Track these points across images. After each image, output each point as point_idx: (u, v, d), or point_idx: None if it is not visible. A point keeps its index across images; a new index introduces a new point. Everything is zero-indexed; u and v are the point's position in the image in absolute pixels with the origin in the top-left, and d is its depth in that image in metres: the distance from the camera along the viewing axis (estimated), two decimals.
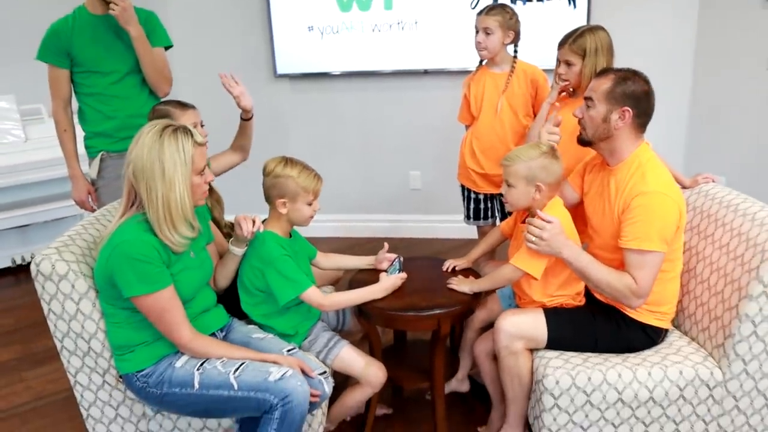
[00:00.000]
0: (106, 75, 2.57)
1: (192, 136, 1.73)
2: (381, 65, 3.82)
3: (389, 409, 2.35)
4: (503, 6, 2.51)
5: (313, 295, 1.95)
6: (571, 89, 2.35)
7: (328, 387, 1.82)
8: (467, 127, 2.73)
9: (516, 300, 2.10)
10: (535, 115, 2.53)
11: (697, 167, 2.82)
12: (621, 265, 1.85)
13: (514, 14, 2.49)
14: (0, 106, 3.64)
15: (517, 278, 1.96)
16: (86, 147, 2.73)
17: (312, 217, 2.06)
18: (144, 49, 2.52)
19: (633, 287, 1.78)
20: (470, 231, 3.96)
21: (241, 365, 1.73)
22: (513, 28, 2.49)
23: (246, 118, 2.50)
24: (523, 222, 1.99)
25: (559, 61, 2.32)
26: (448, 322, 1.97)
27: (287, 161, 2.01)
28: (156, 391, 1.76)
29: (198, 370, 1.74)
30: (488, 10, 2.48)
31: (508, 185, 1.94)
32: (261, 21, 3.85)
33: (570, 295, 1.99)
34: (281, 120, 4.11)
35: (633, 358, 1.87)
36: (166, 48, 2.67)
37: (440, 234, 4.11)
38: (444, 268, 2.23)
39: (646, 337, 1.91)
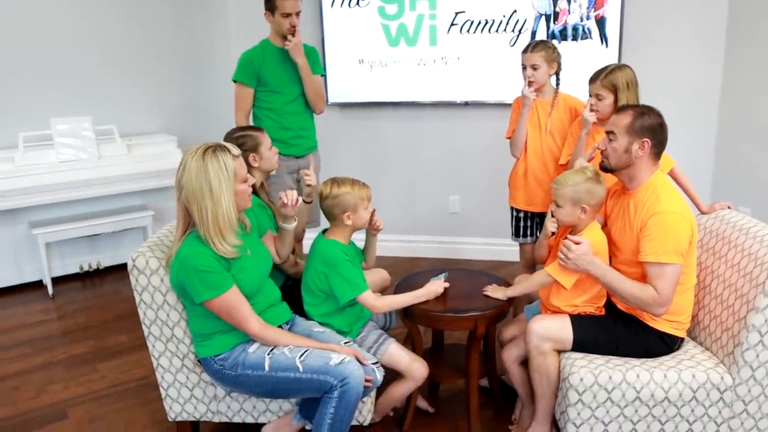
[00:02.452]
0: (284, 95, 3.21)
1: (229, 150, 1.96)
2: (425, 96, 4.13)
3: (431, 408, 2.59)
4: (544, 42, 2.78)
5: (368, 297, 2.22)
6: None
7: (380, 375, 2.07)
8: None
9: (542, 308, 2.33)
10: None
11: (724, 198, 3.02)
12: (642, 278, 2.08)
13: (555, 48, 2.77)
14: (78, 126, 4.03)
15: (548, 284, 2.21)
16: None
17: (370, 218, 2.35)
18: (307, 76, 3.17)
19: (655, 296, 2.01)
20: (503, 254, 4.22)
21: (305, 351, 1.99)
22: (556, 60, 2.76)
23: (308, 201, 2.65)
24: (565, 238, 2.24)
25: (591, 95, 2.59)
26: (483, 323, 2.22)
27: (335, 181, 2.30)
28: (231, 372, 2.03)
29: (268, 354, 2.01)
30: (533, 48, 2.74)
31: (557, 205, 2.19)
32: None
33: (592, 307, 2.22)
34: (331, 145, 4.42)
35: (650, 361, 2.09)
36: (322, 76, 3.38)
37: (476, 256, 4.35)
38: (483, 290, 2.38)
39: (663, 344, 2.13)
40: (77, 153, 4.03)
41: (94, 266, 4.25)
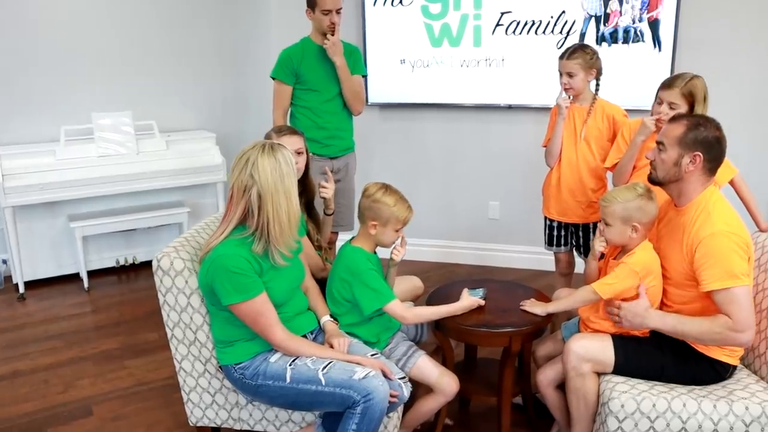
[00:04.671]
0: (322, 93, 3.13)
1: (286, 147, 1.92)
2: (467, 99, 4.00)
3: (450, 422, 2.48)
4: (583, 47, 2.64)
5: (396, 307, 2.12)
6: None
7: (406, 390, 1.97)
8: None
9: (581, 327, 2.19)
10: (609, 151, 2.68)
11: None
12: (693, 300, 1.93)
13: (594, 53, 2.63)
14: (118, 121, 4.05)
15: (592, 302, 2.07)
16: None
17: (395, 242, 2.24)
18: (345, 76, 3.09)
19: (730, 324, 1.83)
20: (543, 263, 4.07)
21: (329, 363, 1.91)
22: (594, 66, 2.63)
23: (328, 213, 2.66)
24: (614, 258, 2.10)
25: (660, 102, 2.41)
26: (518, 340, 2.10)
27: (387, 188, 2.20)
28: (251, 382, 1.96)
29: (290, 365, 1.93)
30: (569, 54, 2.62)
31: (606, 224, 2.06)
32: None
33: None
34: (369, 146, 4.35)
35: (699, 390, 1.93)
36: (363, 76, 3.26)
37: (515, 264, 4.20)
38: (521, 305, 2.25)
39: (714, 372, 1.97)
40: (116, 148, 4.05)
41: (130, 261, 4.27)
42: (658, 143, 1.98)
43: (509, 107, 3.94)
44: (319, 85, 3.12)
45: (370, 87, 4.14)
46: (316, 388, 1.88)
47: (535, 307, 2.20)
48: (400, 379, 1.97)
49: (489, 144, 4.11)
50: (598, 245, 2.13)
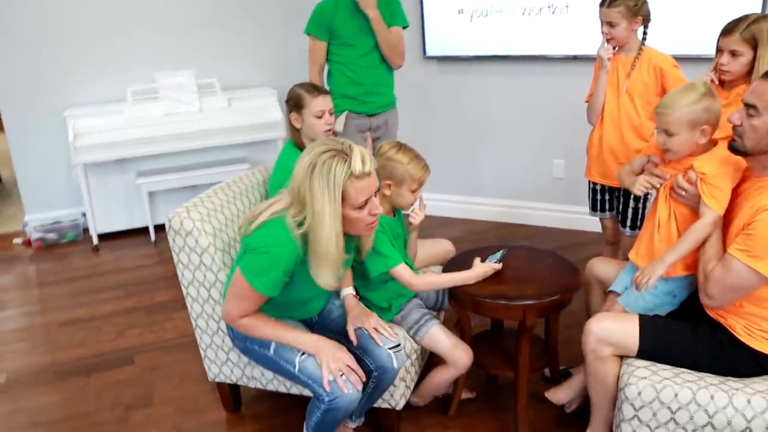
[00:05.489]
0: (357, 48, 3.00)
1: (348, 160, 1.58)
2: (529, 50, 3.72)
3: (472, 392, 2.37)
4: None
5: (403, 272, 2.03)
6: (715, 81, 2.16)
7: (396, 361, 1.88)
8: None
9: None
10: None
11: None
12: None
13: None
14: (181, 80, 4.13)
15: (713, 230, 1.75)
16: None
17: (413, 204, 2.13)
18: (380, 28, 2.93)
19: (707, 272, 1.68)
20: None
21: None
22: (639, 14, 2.34)
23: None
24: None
25: (720, 51, 2.13)
26: (533, 314, 1.94)
27: (401, 147, 2.10)
28: (239, 338, 1.93)
29: None
30: (611, 1, 2.35)
31: (669, 134, 1.82)
32: (414, 3, 3.92)
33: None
34: (427, 100, 4.19)
35: (733, 382, 1.71)
36: (404, 27, 3.07)
37: (576, 225, 3.93)
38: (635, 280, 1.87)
39: (756, 364, 1.73)
40: (180, 106, 4.15)
41: None
42: (748, 105, 1.62)
43: (574, 58, 3.62)
44: (354, 39, 2.98)
45: (428, 39, 3.95)
46: (292, 369, 1.83)
47: (652, 270, 1.78)
48: (391, 348, 1.87)
49: (553, 98, 3.81)
50: (654, 180, 1.94)
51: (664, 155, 1.91)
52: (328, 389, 1.73)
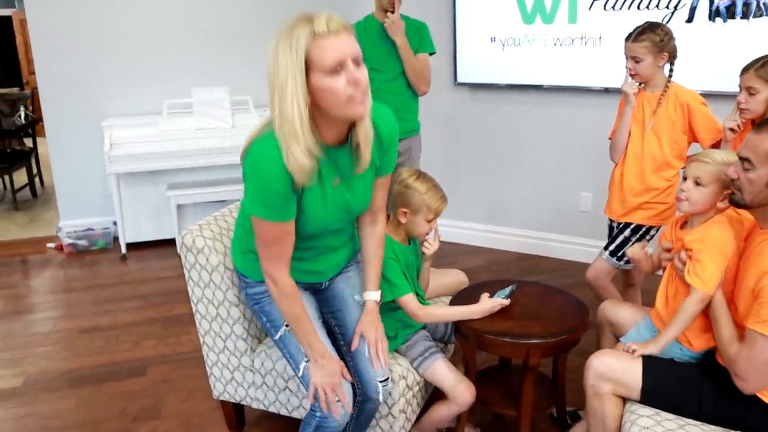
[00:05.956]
0: (384, 73, 3.02)
1: (311, 22, 1.45)
2: (560, 80, 3.69)
3: (477, 429, 2.32)
4: (653, 27, 2.31)
5: (410, 302, 2.01)
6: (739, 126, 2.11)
7: (381, 396, 1.85)
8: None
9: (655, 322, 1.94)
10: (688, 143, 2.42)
11: None
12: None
13: (665, 34, 2.30)
14: (216, 96, 4.22)
15: (701, 308, 1.72)
16: None
17: (427, 233, 2.12)
18: (406, 55, 2.97)
19: (733, 356, 1.59)
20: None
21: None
22: (664, 50, 2.29)
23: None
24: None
25: (740, 89, 2.10)
26: (537, 353, 1.90)
27: (420, 175, 2.09)
28: (251, 301, 1.92)
29: (286, 325, 1.83)
30: (636, 36, 2.31)
31: (697, 183, 1.76)
32: (447, 29, 3.94)
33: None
34: (457, 127, 4.19)
35: None
36: (431, 54, 3.08)
37: None
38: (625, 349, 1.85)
39: (767, 419, 1.65)
40: (213, 121, 4.24)
41: None
42: (743, 159, 1.58)
43: (605, 90, 3.57)
44: (381, 64, 3.00)
45: (460, 66, 3.95)
46: (294, 368, 1.84)
47: (645, 347, 1.79)
48: (380, 382, 1.84)
49: (582, 129, 3.76)
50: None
51: (678, 203, 1.84)
52: (311, 401, 1.74)
